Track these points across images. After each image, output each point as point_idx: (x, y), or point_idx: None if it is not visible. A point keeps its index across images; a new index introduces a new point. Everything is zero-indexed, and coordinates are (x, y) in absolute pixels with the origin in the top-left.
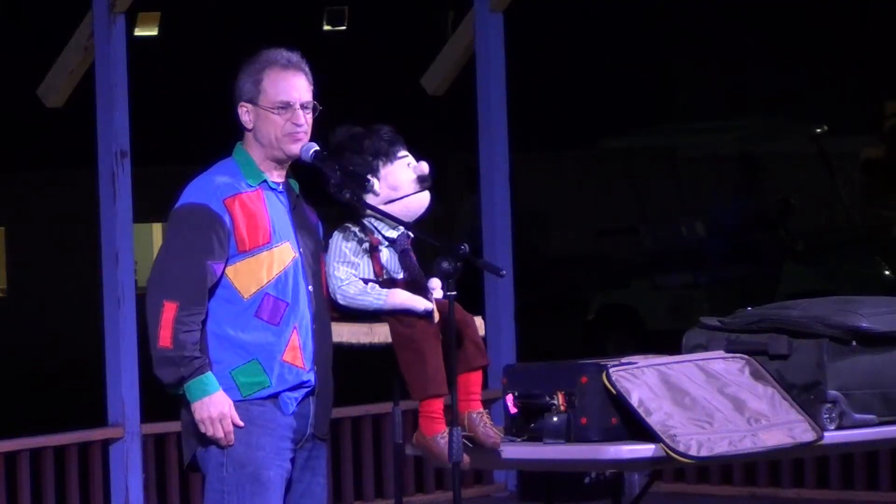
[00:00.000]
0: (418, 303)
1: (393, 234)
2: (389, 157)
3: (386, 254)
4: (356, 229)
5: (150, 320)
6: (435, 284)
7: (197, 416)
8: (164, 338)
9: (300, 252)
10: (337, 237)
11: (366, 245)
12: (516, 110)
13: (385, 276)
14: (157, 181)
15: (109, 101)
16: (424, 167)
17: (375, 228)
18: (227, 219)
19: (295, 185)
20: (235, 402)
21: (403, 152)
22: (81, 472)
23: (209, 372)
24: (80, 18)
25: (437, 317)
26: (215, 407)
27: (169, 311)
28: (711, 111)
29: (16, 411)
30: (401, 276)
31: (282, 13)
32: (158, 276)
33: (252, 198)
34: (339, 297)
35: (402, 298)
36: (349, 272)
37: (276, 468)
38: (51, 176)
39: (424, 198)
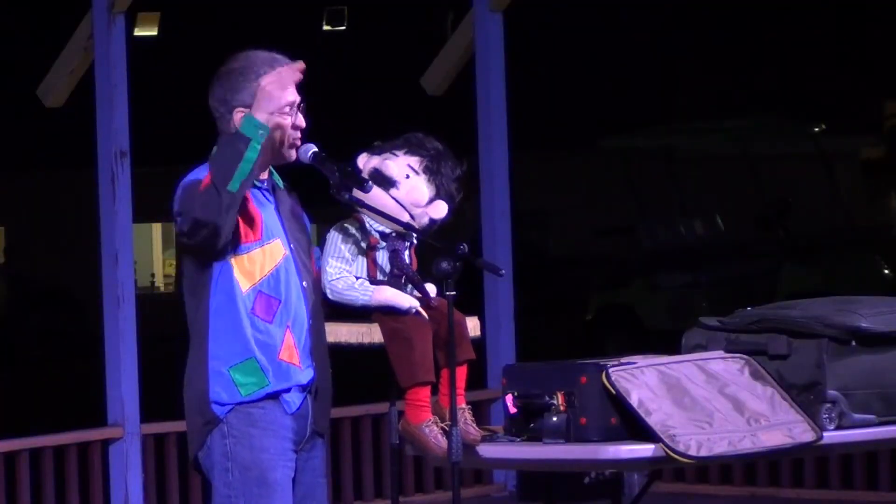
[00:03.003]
0: (403, 300)
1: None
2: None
3: (383, 254)
4: (354, 229)
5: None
6: (431, 289)
7: (265, 118)
8: (204, 184)
9: (291, 248)
10: (334, 234)
11: (363, 245)
12: (516, 110)
13: (380, 277)
14: (157, 181)
15: (109, 101)
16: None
17: (374, 229)
18: None
19: (279, 180)
20: (235, 403)
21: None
22: (81, 471)
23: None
24: (79, 18)
25: (424, 315)
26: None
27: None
28: (710, 111)
29: (16, 410)
30: (389, 276)
31: (281, 13)
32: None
33: None
34: (328, 291)
35: (388, 295)
36: (341, 267)
37: (281, 468)
38: (51, 176)
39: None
